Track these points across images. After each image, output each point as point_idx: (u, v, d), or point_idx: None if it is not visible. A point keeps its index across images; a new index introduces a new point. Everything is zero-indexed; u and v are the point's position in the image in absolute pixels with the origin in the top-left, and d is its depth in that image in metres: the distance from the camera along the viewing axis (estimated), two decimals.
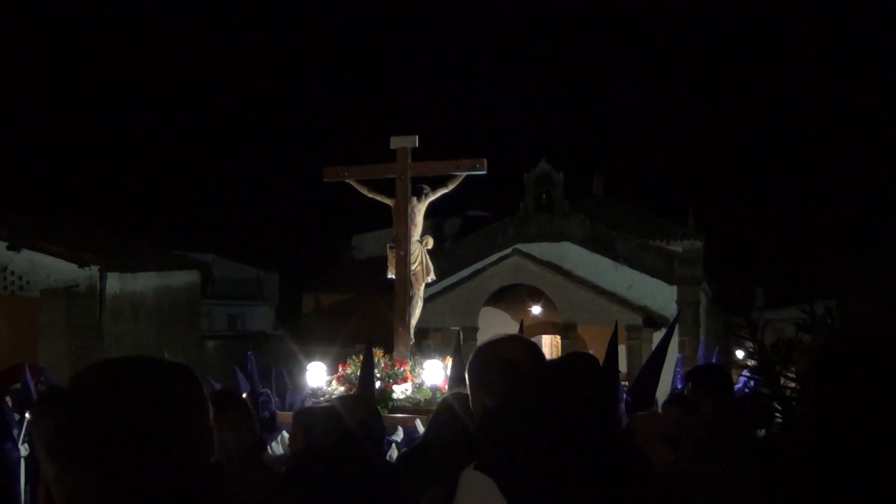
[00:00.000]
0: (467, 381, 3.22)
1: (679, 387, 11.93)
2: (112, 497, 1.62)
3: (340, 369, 12.01)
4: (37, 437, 1.75)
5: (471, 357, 3.18)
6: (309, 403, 9.94)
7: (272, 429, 11.00)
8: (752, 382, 5.53)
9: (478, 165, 12.19)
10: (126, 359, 1.79)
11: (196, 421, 1.73)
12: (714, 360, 14.19)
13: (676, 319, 12.21)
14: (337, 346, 16.18)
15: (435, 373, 11.52)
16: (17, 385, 14.06)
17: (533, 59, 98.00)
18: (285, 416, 10.48)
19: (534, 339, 3.92)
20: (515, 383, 2.95)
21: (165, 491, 1.65)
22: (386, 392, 11.08)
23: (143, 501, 1.63)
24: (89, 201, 63.98)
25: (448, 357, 12.39)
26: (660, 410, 8.79)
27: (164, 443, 1.66)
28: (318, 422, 4.65)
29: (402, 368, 11.62)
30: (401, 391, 11.27)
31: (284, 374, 13.34)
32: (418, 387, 11.39)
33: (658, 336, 22.02)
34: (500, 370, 3.01)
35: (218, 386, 10.37)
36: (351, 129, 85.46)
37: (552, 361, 3.74)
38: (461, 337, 27.56)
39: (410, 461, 5.08)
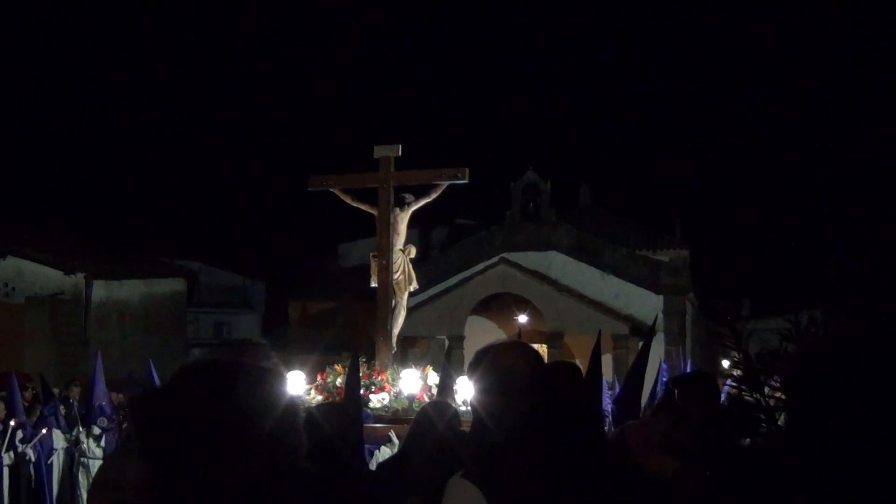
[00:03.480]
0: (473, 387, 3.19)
1: (658, 395, 11.94)
2: (199, 497, 1.64)
3: (319, 379, 11.97)
4: (133, 436, 1.77)
5: (470, 361, 3.16)
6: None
7: None
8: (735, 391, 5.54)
9: (459, 175, 12.20)
10: (219, 362, 1.82)
11: (283, 426, 1.75)
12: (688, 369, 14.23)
13: (653, 327, 12.23)
14: (318, 355, 16.10)
15: (412, 382, 11.48)
16: (2, 393, 13.99)
17: (520, 67, 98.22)
18: None
19: None
20: (509, 391, 2.93)
21: (252, 492, 1.67)
22: (363, 401, 11.05)
23: (227, 501, 1.65)
24: (75, 208, 63.72)
25: (428, 366, 12.36)
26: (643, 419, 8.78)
27: (251, 447, 1.68)
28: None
29: (380, 377, 11.58)
30: (378, 400, 11.23)
31: None
32: (396, 396, 11.35)
33: None
34: (495, 376, 2.98)
35: None
36: (337, 137, 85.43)
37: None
38: (446, 346, 27.55)
39: (389, 470, 5.07)
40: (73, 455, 13.69)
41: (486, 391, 3.00)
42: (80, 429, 13.56)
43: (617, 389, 12.21)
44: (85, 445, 13.43)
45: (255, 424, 1.69)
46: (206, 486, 1.64)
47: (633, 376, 10.00)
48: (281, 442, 1.74)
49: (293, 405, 1.81)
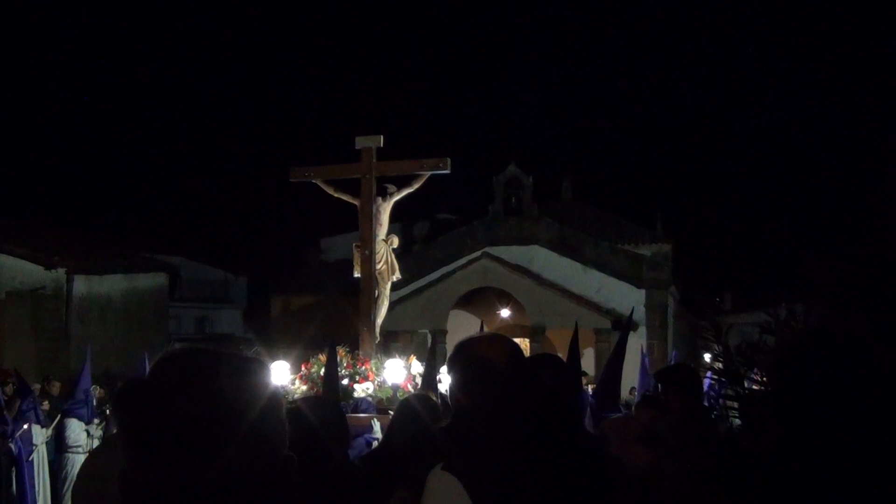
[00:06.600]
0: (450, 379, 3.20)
1: (645, 389, 12.00)
2: (183, 489, 1.64)
3: (304, 369, 11.98)
4: (116, 429, 1.78)
5: (450, 354, 3.17)
6: None
7: None
8: (717, 385, 5.57)
9: (441, 165, 12.21)
10: (200, 352, 1.82)
11: (267, 414, 1.75)
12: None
13: (630, 319, 12.28)
14: (301, 349, 16.13)
15: (397, 372, 11.48)
16: None
17: (503, 62, 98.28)
18: None
19: None
20: (488, 383, 2.93)
21: (236, 483, 1.67)
22: (347, 391, 11.05)
23: (213, 494, 1.66)
24: (56, 203, 63.48)
25: (412, 356, 12.37)
26: (632, 412, 8.84)
27: (235, 437, 1.68)
28: None
29: (364, 367, 11.59)
30: (362, 390, 11.23)
31: None
32: (380, 385, 11.35)
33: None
34: (475, 369, 2.99)
35: None
36: (318, 128, 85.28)
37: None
38: (430, 340, 27.68)
39: (374, 462, 5.06)
40: (65, 447, 13.65)
41: (464, 383, 3.01)
42: (95, 422, 13.57)
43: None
44: (95, 438, 13.43)
45: (239, 415, 1.69)
46: (188, 478, 1.64)
47: (610, 368, 10.05)
48: (265, 432, 1.74)
49: (276, 395, 1.81)
